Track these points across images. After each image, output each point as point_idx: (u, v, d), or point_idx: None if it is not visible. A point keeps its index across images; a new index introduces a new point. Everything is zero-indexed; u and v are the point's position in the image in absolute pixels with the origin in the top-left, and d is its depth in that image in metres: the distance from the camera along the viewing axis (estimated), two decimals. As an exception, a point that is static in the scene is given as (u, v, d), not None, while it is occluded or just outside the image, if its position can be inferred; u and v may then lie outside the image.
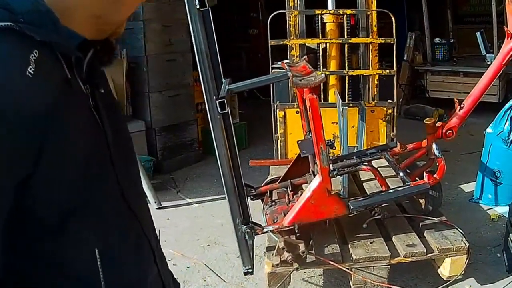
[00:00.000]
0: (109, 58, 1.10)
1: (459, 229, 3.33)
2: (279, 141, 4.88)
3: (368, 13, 4.83)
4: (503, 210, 4.76)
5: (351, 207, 3.01)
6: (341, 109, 3.94)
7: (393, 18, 4.71)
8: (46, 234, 0.90)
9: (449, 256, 3.14)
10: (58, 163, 0.86)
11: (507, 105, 4.74)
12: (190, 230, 4.64)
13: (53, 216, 0.89)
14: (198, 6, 2.28)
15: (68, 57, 0.92)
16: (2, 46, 0.80)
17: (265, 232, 3.13)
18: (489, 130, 4.88)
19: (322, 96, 4.86)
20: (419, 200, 3.58)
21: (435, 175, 3.19)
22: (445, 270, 3.19)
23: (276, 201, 3.41)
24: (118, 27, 1.07)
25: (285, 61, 5.46)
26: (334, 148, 3.21)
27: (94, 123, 0.98)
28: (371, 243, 3.20)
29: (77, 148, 0.91)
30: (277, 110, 4.83)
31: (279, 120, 4.84)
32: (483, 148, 4.99)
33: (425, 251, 3.10)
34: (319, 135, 2.73)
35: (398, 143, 3.58)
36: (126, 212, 1.07)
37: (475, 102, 3.28)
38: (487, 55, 8.45)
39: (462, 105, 3.28)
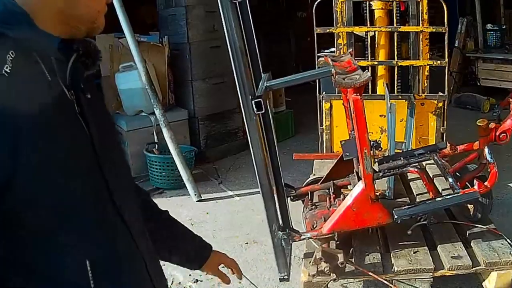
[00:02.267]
0: (93, 61, 1.08)
1: (508, 240, 3.01)
2: (324, 134, 4.61)
3: (419, 0, 4.45)
4: (558, 212, 4.39)
5: (396, 216, 2.73)
6: (389, 105, 3.64)
7: (444, 5, 4.33)
8: (32, 241, 0.88)
9: (496, 270, 2.82)
10: (39, 165, 0.85)
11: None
12: (229, 225, 4.43)
13: (39, 221, 0.88)
14: (230, -1, 2.04)
15: (48, 60, 0.92)
16: None
17: (303, 239, 2.90)
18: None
19: (370, 87, 4.57)
20: (468, 205, 3.26)
21: (486, 183, 2.87)
22: (490, 284, 2.87)
23: (316, 204, 3.15)
24: (93, 22, 1.04)
25: (329, 50, 5.18)
26: (380, 149, 2.92)
27: (79, 128, 0.97)
28: (414, 253, 2.91)
29: (60, 152, 0.90)
30: (323, 102, 4.57)
31: (325, 112, 4.58)
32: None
33: (470, 264, 2.80)
34: (363, 139, 2.44)
35: (448, 144, 3.25)
36: (116, 219, 1.05)
37: (532, 103, 2.92)
38: (542, 42, 7.93)
39: (518, 106, 2.93)
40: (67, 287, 0.95)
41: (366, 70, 3.13)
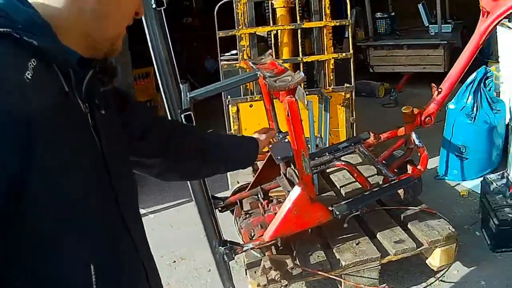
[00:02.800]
0: (109, 78, 1.15)
1: (443, 217, 3.14)
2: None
3: (321, -6, 4.53)
4: (471, 184, 4.66)
5: (336, 212, 2.75)
6: (306, 102, 3.67)
7: (346, -1, 4.46)
8: (39, 245, 0.90)
9: (439, 247, 2.94)
10: (51, 171, 0.88)
11: (468, 80, 4.58)
12: (152, 245, 4.21)
13: (48, 226, 0.90)
14: (154, 6, 1.94)
15: (66, 71, 0.96)
16: (3, 47, 0.85)
17: (246, 251, 2.85)
18: (451, 106, 4.72)
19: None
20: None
21: (419, 167, 2.97)
22: (435, 261, 3.00)
23: (249, 212, 3.11)
24: (113, 44, 1.11)
25: (230, 53, 5.15)
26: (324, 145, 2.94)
27: (92, 141, 1.03)
28: (357, 244, 2.97)
29: (71, 160, 0.93)
30: (230, 106, 4.53)
31: (232, 116, 4.55)
32: (445, 124, 4.84)
33: (415, 246, 2.91)
34: (300, 141, 2.44)
35: (371, 133, 3.33)
36: (122, 231, 1.12)
37: (452, 85, 3.05)
38: (430, 26, 8.37)
39: (439, 89, 3.05)
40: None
41: (299, 70, 3.12)
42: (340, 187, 3.75)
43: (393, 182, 2.90)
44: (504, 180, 4.11)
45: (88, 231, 0.99)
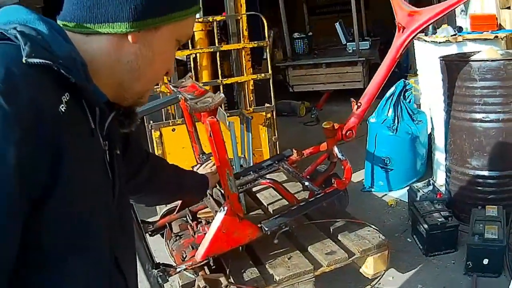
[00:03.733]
0: (129, 122, 1.22)
1: (372, 226, 3.28)
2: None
3: (239, 17, 4.67)
4: (398, 194, 4.88)
5: (265, 229, 2.83)
6: (227, 123, 3.77)
7: (264, 20, 4.60)
8: (44, 265, 0.95)
9: (371, 255, 3.06)
10: (70, 195, 0.94)
11: (387, 94, 4.83)
12: None
13: (56, 248, 0.95)
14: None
15: (93, 109, 1.04)
16: (39, 80, 0.90)
17: (179, 272, 2.87)
18: (372, 119, 4.95)
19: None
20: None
21: (343, 179, 3.11)
22: (368, 269, 3.10)
23: (179, 234, 3.15)
24: (140, 97, 1.20)
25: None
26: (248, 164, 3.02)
27: (106, 177, 1.11)
28: (289, 259, 3.03)
29: (89, 187, 1.00)
30: (152, 131, 4.56)
31: (156, 140, 4.57)
32: (367, 138, 5.05)
33: (346, 256, 2.99)
34: (223, 161, 2.50)
35: (294, 150, 3.45)
36: (115, 267, 1.15)
37: (371, 99, 3.22)
38: (347, 43, 8.70)
39: (359, 104, 3.22)
40: None
41: (219, 92, 3.19)
42: (268, 204, 3.82)
43: (319, 195, 3.02)
44: (431, 187, 4.35)
45: (89, 258, 1.03)
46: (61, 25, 1.07)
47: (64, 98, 0.93)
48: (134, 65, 1.10)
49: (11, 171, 0.82)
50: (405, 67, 7.47)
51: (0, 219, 0.83)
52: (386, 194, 4.96)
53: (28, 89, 0.87)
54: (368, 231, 3.21)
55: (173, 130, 4.57)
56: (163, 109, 4.66)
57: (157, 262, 2.76)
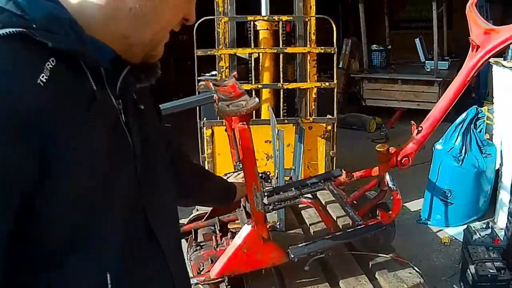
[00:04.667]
0: (146, 76, 1.07)
1: (415, 268, 2.87)
2: (206, 162, 4.32)
3: (306, 19, 4.34)
4: (454, 232, 4.44)
5: (292, 255, 2.50)
6: (276, 131, 3.44)
7: (334, 25, 4.24)
8: (45, 265, 0.87)
9: (406, 302, 2.67)
10: (73, 169, 0.85)
11: (458, 120, 4.40)
12: None
13: (63, 227, 0.87)
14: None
15: (96, 70, 0.93)
16: (11, 53, 0.80)
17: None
18: (438, 146, 4.51)
19: (254, 112, 4.36)
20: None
21: (390, 212, 2.72)
22: (404, 317, 2.72)
23: (201, 244, 2.85)
24: (152, 50, 1.05)
25: (210, 74, 4.95)
26: (269, 181, 2.68)
27: (122, 137, 0.99)
28: (314, 292, 2.70)
29: (95, 158, 0.89)
30: (204, 128, 4.29)
31: (206, 139, 4.31)
32: (431, 165, 4.62)
33: (378, 299, 2.63)
34: (251, 174, 2.18)
35: (343, 171, 3.08)
36: (148, 242, 1.05)
37: (435, 124, 2.79)
38: (426, 61, 8.23)
39: (420, 128, 2.81)
40: None
41: (254, 96, 2.87)
42: (310, 225, 3.47)
43: (359, 227, 2.64)
44: (489, 231, 3.86)
45: (107, 237, 0.94)
46: None
47: (48, 65, 0.83)
48: (138, 11, 0.96)
49: None
50: (483, 93, 6.90)
51: None
52: (442, 230, 4.54)
53: None
54: (410, 273, 2.81)
55: (226, 130, 4.29)
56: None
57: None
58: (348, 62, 8.78)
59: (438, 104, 2.81)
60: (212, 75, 4.84)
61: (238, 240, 2.44)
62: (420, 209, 4.82)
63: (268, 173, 2.68)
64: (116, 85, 0.98)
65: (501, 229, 4.07)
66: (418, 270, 2.85)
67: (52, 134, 0.82)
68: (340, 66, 8.59)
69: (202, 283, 2.60)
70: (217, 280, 2.55)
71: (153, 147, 1.11)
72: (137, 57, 1.03)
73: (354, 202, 3.04)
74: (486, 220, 4.14)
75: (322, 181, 2.99)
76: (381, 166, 2.81)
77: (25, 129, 0.79)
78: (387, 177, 2.76)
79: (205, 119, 4.34)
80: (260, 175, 2.48)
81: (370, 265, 2.94)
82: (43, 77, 0.81)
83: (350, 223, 2.93)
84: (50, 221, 0.85)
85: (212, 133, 4.30)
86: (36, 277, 0.88)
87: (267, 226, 2.40)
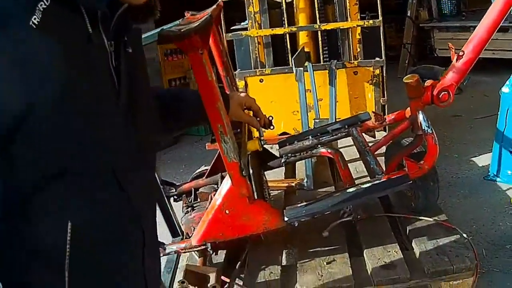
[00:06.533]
0: (144, 15, 1.00)
1: (464, 235, 2.18)
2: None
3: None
4: (527, 190, 3.60)
5: (286, 218, 1.88)
6: (296, 72, 2.80)
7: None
8: (15, 207, 0.84)
9: (446, 281, 1.98)
10: (58, 106, 0.81)
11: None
12: None
13: (32, 180, 0.84)
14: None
15: (93, 12, 0.88)
16: None
17: (168, 254, 2.06)
18: (505, 89, 3.69)
19: (290, 57, 3.75)
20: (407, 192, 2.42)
21: (421, 163, 2.03)
22: (440, 297, 2.05)
23: (194, 205, 2.29)
24: None
25: (241, 25, 4.35)
26: (272, 128, 2.05)
27: (110, 83, 0.92)
28: (328, 263, 2.07)
29: (82, 98, 0.84)
30: (237, 80, 3.72)
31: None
32: (499, 112, 3.79)
33: (408, 276, 1.95)
34: (213, 112, 1.56)
35: (372, 113, 2.40)
36: (120, 192, 0.94)
37: (480, 47, 2.05)
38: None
39: (461, 53, 2.08)
40: (40, 250, 0.87)
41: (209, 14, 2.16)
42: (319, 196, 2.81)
43: (378, 181, 1.96)
44: None
45: (76, 183, 0.87)
46: None
47: (41, 5, 0.77)
48: None
49: None
50: None
51: None
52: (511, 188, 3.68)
53: None
54: (455, 242, 2.11)
55: (261, 81, 3.83)
56: (251, 56, 3.98)
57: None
58: (416, 12, 7.92)
59: (484, 21, 2.06)
60: (244, 25, 4.21)
61: (218, 199, 1.86)
62: (489, 165, 4.02)
63: (270, 118, 2.05)
64: (110, 25, 0.91)
65: None
66: (469, 240, 2.16)
67: (44, 77, 0.78)
68: (408, 15, 7.77)
69: (182, 251, 2.05)
70: (199, 248, 2.00)
71: (139, 93, 1.01)
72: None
73: (388, 150, 2.37)
74: None
75: (345, 126, 2.32)
76: (412, 103, 2.11)
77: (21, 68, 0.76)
78: (420, 116, 2.05)
79: (239, 70, 3.90)
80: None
81: (407, 230, 2.28)
82: (35, 19, 0.77)
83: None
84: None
85: (246, 85, 3.84)
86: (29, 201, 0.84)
87: (248, 181, 1.78)
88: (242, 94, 1.87)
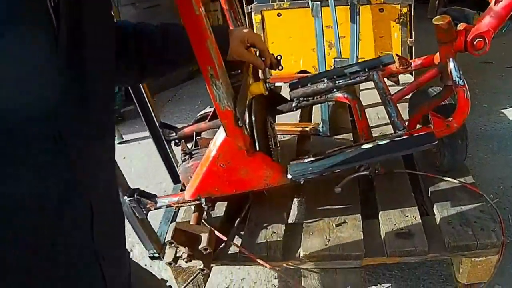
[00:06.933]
0: None
1: (492, 202, 1.90)
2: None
3: None
4: None
5: (290, 175, 1.62)
6: (312, 5, 2.47)
7: None
8: None
9: (468, 257, 1.73)
10: None
11: None
12: (144, 172, 3.63)
13: None
14: None
15: None
16: None
17: (160, 208, 1.83)
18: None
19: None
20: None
21: (449, 120, 1.74)
22: (461, 275, 1.79)
23: (192, 152, 2.04)
24: None
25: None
26: (281, 68, 1.77)
27: (46, 26, 0.73)
28: (337, 225, 1.83)
29: (12, 46, 0.66)
30: (253, 14, 3.52)
31: (256, 26, 3.53)
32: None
33: (426, 249, 1.70)
34: (201, 51, 1.27)
35: (396, 56, 2.08)
36: (64, 158, 0.76)
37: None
38: None
39: (501, -3, 1.72)
40: None
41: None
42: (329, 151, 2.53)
43: (397, 137, 1.68)
44: None
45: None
46: None
47: None
48: None
49: None
50: None
51: None
52: (546, 145, 3.36)
53: None
54: (482, 212, 1.83)
55: (279, 15, 3.52)
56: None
57: (134, 188, 1.85)
58: None
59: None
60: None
61: (213, 150, 1.60)
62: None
63: (278, 57, 1.77)
64: None
65: None
66: (497, 209, 1.88)
67: None
68: None
69: (174, 205, 1.82)
70: (192, 203, 1.77)
71: (88, 42, 0.79)
72: None
73: (412, 103, 2.07)
74: None
75: (366, 70, 2.01)
76: (442, 49, 1.78)
77: None
78: (451, 64, 1.73)
79: (255, 3, 3.56)
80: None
81: (429, 192, 2.01)
82: None
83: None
84: None
85: (262, 19, 3.53)
86: None
87: (244, 131, 1.50)
88: (245, 30, 1.60)
